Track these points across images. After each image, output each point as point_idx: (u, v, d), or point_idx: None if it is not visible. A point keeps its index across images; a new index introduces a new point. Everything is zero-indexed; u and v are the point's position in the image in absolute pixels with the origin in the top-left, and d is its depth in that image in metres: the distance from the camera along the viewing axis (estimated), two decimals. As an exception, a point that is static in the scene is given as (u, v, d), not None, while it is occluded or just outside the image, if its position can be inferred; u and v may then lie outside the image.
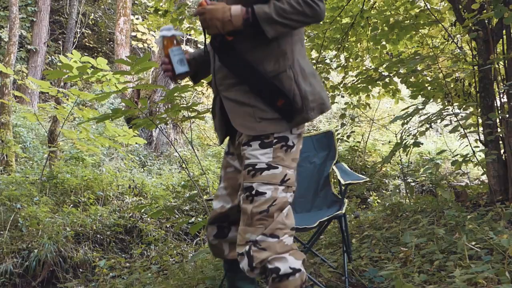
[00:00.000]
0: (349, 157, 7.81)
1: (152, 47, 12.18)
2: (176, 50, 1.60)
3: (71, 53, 3.86)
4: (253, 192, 1.48)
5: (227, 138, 1.73)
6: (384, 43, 4.91)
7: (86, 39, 13.46)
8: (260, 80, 1.49)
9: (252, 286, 1.80)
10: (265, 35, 1.45)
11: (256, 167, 1.49)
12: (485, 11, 3.22)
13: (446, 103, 4.24)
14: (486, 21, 3.38)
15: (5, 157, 6.34)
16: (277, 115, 1.50)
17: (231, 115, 1.54)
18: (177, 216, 5.51)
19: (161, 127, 7.48)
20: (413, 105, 3.52)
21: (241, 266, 1.50)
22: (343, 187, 2.49)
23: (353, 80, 4.95)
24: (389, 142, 7.89)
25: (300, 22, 1.47)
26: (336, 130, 5.01)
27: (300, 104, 1.51)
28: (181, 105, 3.36)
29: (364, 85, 4.81)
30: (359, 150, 7.96)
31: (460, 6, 3.60)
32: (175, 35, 1.62)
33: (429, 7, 4.60)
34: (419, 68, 4.09)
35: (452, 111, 3.47)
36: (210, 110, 1.78)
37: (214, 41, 1.55)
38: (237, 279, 1.78)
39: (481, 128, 3.54)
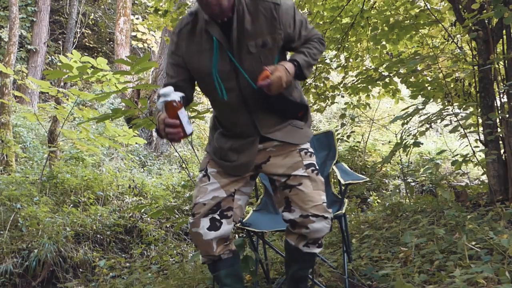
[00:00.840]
0: (349, 157, 7.81)
1: (152, 47, 12.19)
2: (184, 112, 1.62)
3: (71, 53, 3.85)
4: (317, 167, 1.89)
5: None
6: (384, 43, 4.90)
7: (86, 39, 13.46)
8: (295, 107, 1.86)
9: (240, 285, 1.84)
10: (304, 77, 1.80)
11: (309, 150, 1.91)
12: (485, 11, 3.22)
13: (446, 103, 4.24)
14: (486, 21, 3.37)
15: (5, 157, 6.33)
16: (303, 123, 1.92)
17: (285, 139, 1.86)
18: (177, 216, 5.51)
19: (161, 127, 7.46)
20: (413, 105, 3.52)
21: (316, 227, 1.78)
22: (343, 187, 2.49)
23: (353, 80, 4.95)
24: (389, 142, 7.89)
25: (318, 59, 1.87)
26: (336, 130, 5.01)
27: (309, 112, 1.98)
28: (181, 105, 3.35)
29: (364, 85, 4.81)
30: (359, 150, 7.96)
31: (460, 6, 3.59)
32: (181, 97, 1.62)
33: (429, 7, 4.60)
34: (419, 68, 4.08)
35: (452, 111, 3.46)
36: (221, 156, 1.90)
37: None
38: (225, 276, 1.82)
39: (481, 128, 3.54)
